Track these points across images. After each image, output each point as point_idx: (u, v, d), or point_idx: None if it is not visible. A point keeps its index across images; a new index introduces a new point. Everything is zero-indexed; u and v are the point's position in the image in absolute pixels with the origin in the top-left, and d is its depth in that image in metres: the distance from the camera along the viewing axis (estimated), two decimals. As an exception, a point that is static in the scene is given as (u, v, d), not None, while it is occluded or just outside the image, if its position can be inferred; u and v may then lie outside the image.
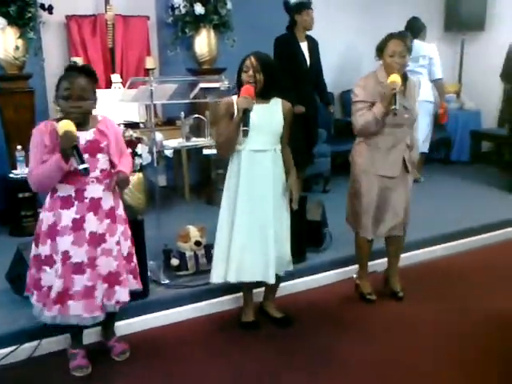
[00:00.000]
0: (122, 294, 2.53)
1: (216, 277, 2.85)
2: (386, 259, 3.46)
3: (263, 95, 2.73)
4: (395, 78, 2.87)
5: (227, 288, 3.25)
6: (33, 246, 2.49)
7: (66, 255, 2.39)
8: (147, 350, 2.81)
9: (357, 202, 3.19)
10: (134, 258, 2.65)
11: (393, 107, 2.86)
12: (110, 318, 2.70)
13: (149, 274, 3.14)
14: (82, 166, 2.25)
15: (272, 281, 2.80)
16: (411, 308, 3.25)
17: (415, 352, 2.79)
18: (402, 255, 3.50)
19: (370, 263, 3.43)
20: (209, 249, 3.36)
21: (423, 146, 5.55)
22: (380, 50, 3.02)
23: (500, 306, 3.21)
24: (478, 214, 4.54)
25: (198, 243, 3.32)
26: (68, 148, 2.25)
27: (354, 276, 3.45)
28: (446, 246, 4.10)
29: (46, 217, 2.42)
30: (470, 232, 4.27)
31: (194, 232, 3.35)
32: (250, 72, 2.67)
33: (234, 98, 2.76)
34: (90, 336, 2.81)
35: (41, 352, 2.73)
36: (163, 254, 3.35)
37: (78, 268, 2.40)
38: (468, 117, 6.53)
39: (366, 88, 3.04)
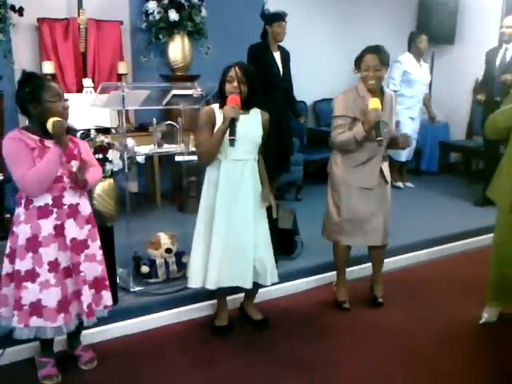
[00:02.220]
0: (109, 298, 2.59)
1: (195, 282, 2.87)
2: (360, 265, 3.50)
3: (246, 106, 2.74)
4: (376, 105, 2.86)
5: (198, 295, 3.24)
6: (5, 262, 2.42)
7: (55, 263, 2.37)
8: (116, 359, 2.77)
9: (336, 211, 3.20)
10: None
11: (378, 139, 2.86)
12: (78, 327, 2.66)
13: (118, 281, 3.10)
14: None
15: (249, 286, 2.83)
16: (382, 316, 3.29)
17: (385, 359, 2.82)
18: (367, 264, 3.56)
19: (352, 268, 3.44)
20: (179, 256, 3.35)
21: (405, 155, 5.70)
22: (357, 64, 3.05)
23: (462, 316, 3.27)
24: (445, 224, 4.62)
25: (168, 250, 3.30)
26: (61, 133, 2.26)
27: (334, 283, 3.49)
28: (412, 256, 4.16)
29: (22, 230, 2.35)
30: (437, 242, 4.35)
31: (164, 239, 3.32)
32: (235, 83, 2.68)
33: (215, 106, 2.78)
34: (55, 345, 2.73)
35: (3, 362, 2.66)
36: (133, 261, 3.31)
37: (67, 272, 2.42)
38: (437, 128, 6.66)
39: (346, 102, 3.04)
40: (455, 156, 7.03)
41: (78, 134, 2.32)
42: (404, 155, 5.72)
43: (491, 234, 3.19)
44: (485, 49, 5.44)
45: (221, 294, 3.04)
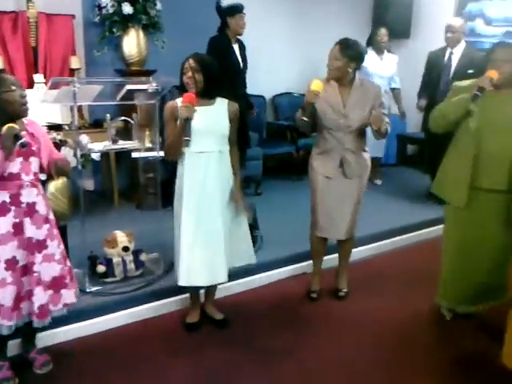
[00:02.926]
0: (69, 297, 2.55)
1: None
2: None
3: (205, 95, 2.72)
4: (316, 87, 2.87)
5: (157, 294, 3.20)
6: None
7: (13, 261, 2.33)
8: (72, 362, 2.71)
9: (311, 202, 3.25)
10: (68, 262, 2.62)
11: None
12: (32, 329, 2.60)
13: (73, 281, 3.02)
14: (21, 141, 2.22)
15: (223, 280, 2.84)
16: (345, 307, 3.34)
17: (352, 349, 2.87)
18: (330, 256, 3.59)
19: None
20: (137, 254, 3.29)
21: (377, 151, 5.71)
22: None
23: (420, 305, 3.34)
24: (400, 215, 4.72)
25: (125, 249, 3.23)
26: (10, 141, 2.18)
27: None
28: (372, 247, 4.22)
29: None
30: (395, 232, 4.42)
31: (121, 237, 3.25)
32: (189, 73, 2.68)
33: (178, 101, 2.75)
34: (9, 349, 2.64)
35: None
36: (88, 260, 3.23)
37: (24, 271, 2.38)
38: (394, 121, 6.75)
39: None
40: (412, 148, 7.15)
41: (19, 142, 2.21)
42: (379, 151, 5.73)
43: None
44: (439, 43, 5.52)
45: (193, 289, 3.01)
